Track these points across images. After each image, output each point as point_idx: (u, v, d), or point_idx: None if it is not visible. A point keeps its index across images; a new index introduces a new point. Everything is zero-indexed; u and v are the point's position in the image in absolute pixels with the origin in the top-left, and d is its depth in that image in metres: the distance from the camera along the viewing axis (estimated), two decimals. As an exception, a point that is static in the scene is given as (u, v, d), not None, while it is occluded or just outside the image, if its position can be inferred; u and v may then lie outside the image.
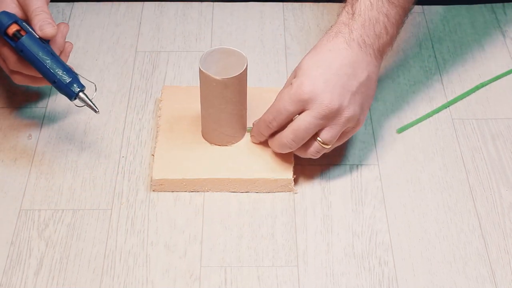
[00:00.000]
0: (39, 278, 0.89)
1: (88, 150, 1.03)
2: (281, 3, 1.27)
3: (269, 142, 0.98)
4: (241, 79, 0.96)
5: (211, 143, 1.01)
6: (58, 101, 1.09)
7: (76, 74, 0.96)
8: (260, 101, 1.03)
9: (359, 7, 0.96)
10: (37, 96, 1.10)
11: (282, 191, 0.99)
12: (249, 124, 1.02)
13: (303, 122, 0.93)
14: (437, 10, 1.26)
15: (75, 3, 1.26)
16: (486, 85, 1.13)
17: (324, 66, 0.93)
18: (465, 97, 1.12)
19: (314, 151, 0.96)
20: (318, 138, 0.94)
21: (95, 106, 0.95)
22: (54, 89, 0.98)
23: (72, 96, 0.95)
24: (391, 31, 0.97)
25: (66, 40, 1.00)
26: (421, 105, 1.10)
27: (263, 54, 1.18)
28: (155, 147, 1.01)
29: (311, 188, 0.99)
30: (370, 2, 0.96)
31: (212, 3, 1.26)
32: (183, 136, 1.02)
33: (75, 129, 1.06)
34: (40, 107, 1.09)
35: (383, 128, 1.07)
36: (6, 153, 1.03)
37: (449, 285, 0.90)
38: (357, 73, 0.94)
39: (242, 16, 1.25)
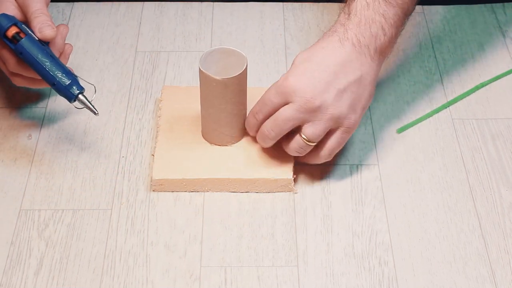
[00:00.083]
0: (39, 278, 0.89)
1: (88, 150, 1.03)
2: (281, 3, 1.27)
3: (257, 136, 0.99)
4: (241, 79, 0.96)
5: (211, 143, 1.01)
6: (58, 101, 1.09)
7: (76, 76, 0.96)
8: (260, 101, 1.03)
9: (355, 7, 0.96)
10: (37, 96, 1.10)
11: (282, 191, 0.99)
12: (249, 124, 1.02)
13: (284, 113, 0.94)
14: (437, 10, 1.26)
15: (75, 3, 1.26)
16: (486, 85, 1.13)
17: (314, 62, 0.94)
18: (465, 97, 1.12)
19: (297, 146, 0.96)
20: (301, 133, 0.95)
21: (95, 108, 0.96)
22: (54, 89, 0.98)
23: (71, 98, 0.95)
24: (390, 32, 0.96)
25: (66, 42, 1.00)
26: (421, 105, 1.10)
27: (263, 54, 1.18)
28: (155, 147, 1.01)
29: (311, 188, 0.99)
30: (367, 2, 0.96)
31: (212, 3, 1.26)
32: (183, 136, 1.02)
33: (75, 129, 1.06)
34: (40, 107, 1.09)
35: (383, 128, 1.07)
36: (6, 153, 1.03)
37: (449, 285, 0.90)
38: (348, 72, 0.94)
39: (242, 16, 1.25)
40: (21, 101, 1.09)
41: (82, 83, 0.96)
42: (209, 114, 0.99)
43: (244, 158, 1.00)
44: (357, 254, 0.92)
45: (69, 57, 1.01)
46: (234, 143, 1.01)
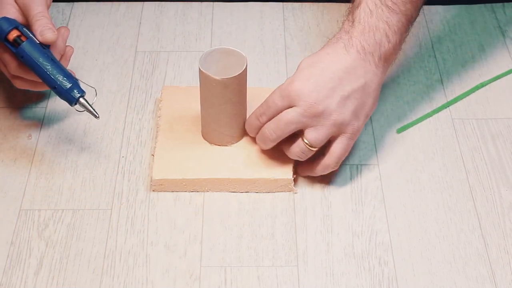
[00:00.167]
0: (39, 278, 0.89)
1: (88, 150, 1.03)
2: (281, 3, 1.27)
3: (256, 137, 0.99)
4: (241, 79, 0.96)
5: (211, 143, 1.01)
6: (58, 101, 1.09)
7: (77, 80, 0.96)
8: (260, 101, 1.03)
9: (359, 14, 0.96)
10: (37, 96, 1.10)
11: (282, 191, 0.99)
12: (249, 124, 1.02)
13: (287, 115, 0.94)
14: (437, 10, 1.26)
15: (75, 3, 1.26)
16: (486, 85, 1.13)
17: (319, 68, 0.94)
18: (465, 97, 1.12)
19: (298, 150, 0.96)
20: (303, 137, 0.95)
21: (95, 112, 0.96)
22: (54, 89, 0.98)
23: (72, 101, 0.95)
24: (394, 39, 0.97)
25: (67, 44, 1.00)
26: (421, 105, 1.10)
27: (263, 54, 1.18)
28: (155, 147, 1.01)
29: (311, 188, 0.99)
30: (370, 9, 0.96)
31: (212, 3, 1.26)
32: (183, 136, 1.02)
33: (75, 129, 1.06)
34: (40, 107, 1.09)
35: (383, 128, 1.07)
36: (6, 153, 1.03)
37: (449, 285, 0.90)
38: (352, 79, 0.94)
39: (242, 16, 1.25)
40: (21, 101, 1.09)
41: (83, 86, 0.96)
42: (209, 114, 0.99)
43: (244, 158, 1.00)
44: (357, 254, 0.92)
45: (70, 59, 1.01)
46: (234, 143, 1.01)
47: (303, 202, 0.98)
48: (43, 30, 0.95)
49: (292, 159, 0.99)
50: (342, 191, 0.99)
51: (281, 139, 0.96)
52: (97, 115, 0.96)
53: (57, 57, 0.98)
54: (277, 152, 0.99)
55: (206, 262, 0.91)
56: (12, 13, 0.97)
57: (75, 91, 0.95)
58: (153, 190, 0.98)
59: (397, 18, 0.97)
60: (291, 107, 0.94)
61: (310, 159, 0.97)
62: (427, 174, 1.01)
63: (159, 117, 1.05)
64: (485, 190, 0.99)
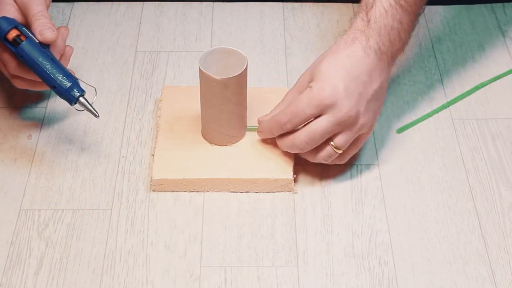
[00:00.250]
0: (39, 278, 0.89)
1: (88, 150, 1.03)
2: (281, 3, 1.27)
3: (278, 141, 0.98)
4: (241, 79, 0.96)
5: (211, 143, 1.01)
6: (58, 101, 1.09)
7: (76, 79, 0.96)
8: (260, 101, 1.03)
9: (374, 14, 0.96)
10: (37, 96, 1.10)
11: (282, 191, 0.99)
12: (249, 124, 1.02)
13: (321, 127, 0.93)
14: (437, 10, 1.26)
15: (75, 3, 1.26)
16: (486, 85, 1.13)
17: (344, 72, 0.93)
18: (465, 97, 1.12)
19: (326, 155, 0.96)
20: (332, 143, 0.95)
21: (95, 111, 0.96)
22: (54, 89, 0.98)
23: (72, 101, 0.95)
24: (404, 37, 0.98)
25: (66, 44, 1.00)
26: (421, 105, 1.10)
27: (263, 54, 1.18)
28: (155, 147, 1.01)
29: (311, 188, 0.99)
30: (385, 9, 0.96)
31: (212, 3, 1.26)
32: (183, 136, 1.02)
33: (75, 129, 1.06)
34: (40, 107, 1.09)
35: (383, 128, 1.07)
36: (6, 153, 1.03)
37: (449, 285, 0.90)
38: (373, 81, 0.95)
39: (242, 16, 1.25)
40: (21, 101, 1.09)
41: (82, 85, 0.96)
42: (209, 114, 0.99)
43: (244, 158, 1.00)
44: (357, 254, 0.92)
45: (69, 59, 1.01)
46: (234, 143, 1.01)
47: (303, 202, 0.98)
48: (43, 30, 0.95)
49: (292, 159, 0.99)
50: (342, 191, 0.99)
51: (312, 148, 0.96)
52: (97, 114, 0.96)
53: (57, 56, 0.97)
54: (277, 152, 0.99)
55: (206, 262, 0.91)
56: (12, 12, 0.97)
57: (75, 90, 0.95)
58: (153, 190, 0.98)
59: (409, 17, 0.97)
60: (321, 115, 0.93)
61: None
62: (427, 174, 1.01)
63: (159, 117, 1.05)
64: (485, 190, 0.99)
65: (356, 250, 0.93)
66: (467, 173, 1.01)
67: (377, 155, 1.03)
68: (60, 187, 0.99)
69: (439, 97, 1.11)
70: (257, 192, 0.99)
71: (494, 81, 1.14)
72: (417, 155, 1.03)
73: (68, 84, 0.94)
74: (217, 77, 0.95)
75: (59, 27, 0.99)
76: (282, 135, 0.97)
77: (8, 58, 0.97)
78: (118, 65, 1.15)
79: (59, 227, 0.94)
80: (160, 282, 0.89)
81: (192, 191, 0.98)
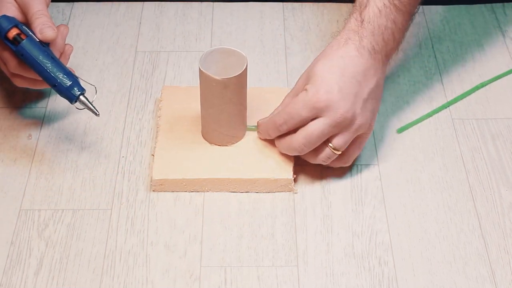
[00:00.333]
0: (39, 278, 0.89)
1: (88, 150, 1.03)
2: (281, 3, 1.27)
3: (276, 143, 0.99)
4: (241, 79, 0.96)
5: (211, 143, 1.01)
6: (58, 101, 1.09)
7: (77, 77, 0.96)
8: (260, 101, 1.03)
9: (368, 14, 0.96)
10: (37, 96, 1.10)
11: (282, 191, 0.99)
12: (249, 124, 1.02)
13: (317, 129, 0.93)
14: (437, 10, 1.26)
15: (75, 3, 1.26)
16: (486, 85, 1.13)
17: (338, 73, 0.94)
18: (465, 97, 1.12)
19: (325, 157, 0.96)
20: (330, 144, 0.95)
21: (96, 109, 0.96)
22: (54, 89, 0.98)
23: (72, 99, 0.95)
24: (398, 37, 0.98)
25: (66, 42, 1.00)
26: (421, 105, 1.10)
27: (263, 54, 1.18)
28: (155, 147, 1.01)
29: (311, 188, 0.99)
30: (379, 9, 0.96)
31: (212, 3, 1.26)
32: (183, 136, 1.02)
33: (75, 129, 1.06)
34: (40, 107, 1.09)
35: (383, 128, 1.07)
36: (6, 153, 1.03)
37: (449, 285, 0.90)
38: (368, 80, 0.95)
39: (242, 16, 1.25)
40: (21, 101, 1.09)
41: (83, 84, 0.96)
42: (209, 114, 0.99)
43: (244, 158, 1.00)
44: (357, 254, 0.92)
45: (69, 57, 1.01)
46: (234, 143, 1.01)
47: (303, 202, 0.98)
48: (43, 28, 0.95)
49: (292, 159, 0.99)
50: (342, 191, 0.99)
51: (310, 150, 0.96)
52: (98, 113, 0.96)
53: (57, 55, 0.98)
54: (277, 152, 0.99)
55: (206, 262, 0.91)
56: (12, 11, 0.97)
57: (75, 89, 0.95)
58: (153, 190, 0.98)
59: (403, 17, 0.97)
60: (317, 117, 0.93)
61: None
62: (427, 174, 1.01)
63: (159, 117, 1.05)
64: (485, 190, 0.99)
65: (356, 250, 0.93)
66: (467, 173, 1.01)
67: (377, 155, 1.03)
68: (60, 187, 0.99)
69: (439, 97, 1.11)
70: (257, 192, 0.99)
71: (494, 81, 1.14)
72: (417, 155, 1.03)
73: (69, 83, 0.94)
74: (217, 77, 0.95)
75: (59, 25, 0.99)
76: (280, 138, 0.98)
77: (8, 57, 0.97)
78: (118, 65, 1.15)
79: (59, 227, 0.94)
80: (160, 282, 0.89)
81: (192, 191, 0.98)
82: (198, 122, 1.02)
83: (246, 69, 0.96)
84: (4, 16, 0.95)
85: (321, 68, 0.95)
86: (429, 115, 1.09)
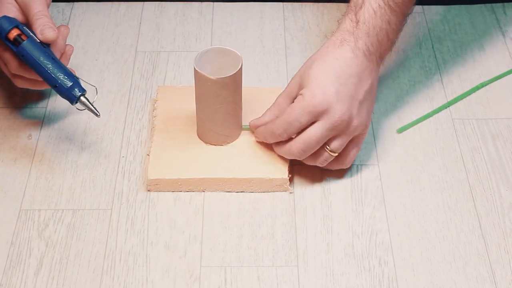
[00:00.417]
0: (39, 278, 0.89)
1: (88, 150, 1.03)
2: (281, 3, 1.27)
3: (275, 148, 0.99)
4: (236, 79, 0.96)
5: (206, 143, 1.01)
6: (58, 101, 1.09)
7: (77, 78, 0.96)
8: (260, 101, 1.03)
9: (363, 15, 0.96)
10: (37, 96, 1.10)
11: (278, 191, 0.99)
12: (245, 123, 1.02)
13: (315, 134, 0.93)
14: (437, 10, 1.26)
15: (75, 3, 1.26)
16: (486, 85, 1.13)
17: (333, 76, 0.93)
18: (465, 97, 1.12)
19: (322, 159, 0.97)
20: (327, 147, 0.95)
21: (96, 110, 0.96)
22: (54, 89, 0.98)
23: (73, 100, 0.95)
24: (392, 37, 0.98)
25: (67, 43, 1.00)
26: (421, 105, 1.10)
27: (263, 54, 1.18)
28: (150, 147, 1.01)
29: (311, 188, 0.99)
30: (374, 10, 0.96)
31: (212, 3, 1.26)
32: (178, 136, 1.02)
33: (75, 129, 1.06)
34: (40, 107, 1.09)
35: (383, 128, 1.07)
36: (6, 153, 1.03)
37: (449, 285, 0.90)
38: (363, 82, 0.95)
39: (242, 16, 1.25)
40: (21, 101, 1.09)
41: (83, 84, 0.96)
42: (204, 114, 0.99)
43: (239, 158, 1.00)
44: (357, 254, 0.92)
45: (70, 58, 1.01)
46: (229, 143, 1.01)
47: (303, 202, 0.98)
48: (44, 29, 0.95)
49: (287, 159, 0.99)
50: (342, 191, 0.99)
51: (308, 155, 0.96)
52: (98, 114, 0.96)
53: (57, 55, 0.98)
54: (273, 151, 0.99)
55: (206, 262, 0.91)
56: (12, 12, 0.97)
57: (76, 89, 0.95)
58: (149, 190, 0.98)
59: (397, 18, 0.97)
60: (315, 121, 0.94)
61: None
62: (427, 174, 1.01)
63: (154, 116, 1.05)
64: (485, 190, 0.99)
65: (356, 250, 0.93)
66: (467, 173, 1.01)
67: (377, 155, 1.03)
68: (60, 187, 0.99)
69: (439, 97, 1.11)
70: (252, 192, 0.99)
71: (494, 81, 1.14)
72: (417, 155, 1.03)
73: (69, 84, 0.94)
74: (212, 77, 0.95)
75: (59, 26, 0.99)
76: (278, 143, 0.98)
77: (9, 58, 0.97)
78: (118, 65, 1.15)
79: (59, 227, 0.94)
80: (160, 282, 0.89)
81: (188, 191, 0.98)
82: (194, 122, 1.02)
83: (241, 68, 0.96)
84: (5, 17, 0.95)
85: (316, 70, 0.94)
86: (429, 115, 1.09)
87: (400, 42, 1.18)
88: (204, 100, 0.97)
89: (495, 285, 0.90)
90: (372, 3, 0.96)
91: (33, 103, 1.09)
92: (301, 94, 0.94)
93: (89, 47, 1.18)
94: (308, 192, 0.99)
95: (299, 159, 0.97)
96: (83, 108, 0.96)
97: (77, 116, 1.07)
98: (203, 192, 0.98)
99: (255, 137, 1.01)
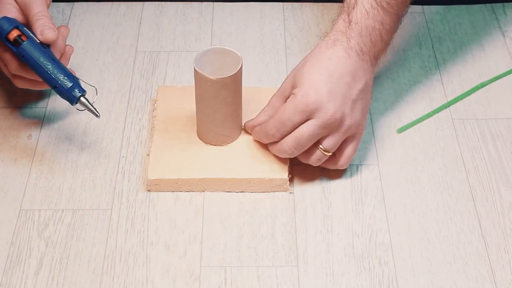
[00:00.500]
0: (39, 278, 0.89)
1: (88, 150, 1.03)
2: (281, 3, 1.27)
3: (269, 146, 0.99)
4: (236, 79, 0.96)
5: (206, 143, 1.01)
6: (58, 101, 1.09)
7: (77, 79, 0.96)
8: (260, 101, 1.03)
9: (356, 15, 0.96)
10: (37, 96, 1.10)
11: (278, 191, 0.99)
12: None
13: (307, 131, 0.93)
14: (437, 10, 1.26)
15: (75, 3, 1.26)
16: (486, 85, 1.13)
17: (326, 75, 0.94)
18: (465, 97, 1.12)
19: (316, 158, 0.97)
20: (320, 146, 0.95)
21: (96, 111, 0.96)
22: (54, 89, 0.98)
23: (73, 101, 0.95)
24: (386, 38, 0.98)
25: (67, 43, 1.00)
26: (421, 105, 1.10)
27: (263, 54, 1.18)
28: (150, 147, 1.01)
29: (311, 188, 0.99)
30: (366, 10, 0.96)
31: (212, 3, 1.26)
32: (178, 136, 1.02)
33: (75, 129, 1.06)
34: (40, 107, 1.09)
35: (383, 128, 1.07)
36: (6, 153, 1.03)
37: (449, 285, 0.90)
38: (356, 81, 0.95)
39: (242, 16, 1.25)
40: (21, 101, 1.09)
41: (83, 85, 0.96)
42: (204, 114, 0.99)
43: (239, 158, 1.00)
44: (357, 254, 0.92)
45: (70, 58, 1.01)
46: (229, 143, 1.01)
47: (303, 202, 0.98)
48: (44, 30, 0.95)
49: (287, 159, 0.99)
50: (342, 191, 0.99)
51: (301, 152, 0.96)
52: (98, 114, 0.96)
53: (57, 56, 0.98)
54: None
55: (206, 262, 0.91)
56: (12, 12, 0.97)
57: (76, 90, 0.95)
58: (149, 190, 0.98)
59: (391, 18, 0.98)
60: (307, 120, 0.94)
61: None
62: (427, 174, 1.01)
63: (154, 116, 1.05)
64: (485, 190, 0.99)
65: (356, 250, 0.93)
66: (467, 173, 1.01)
67: (377, 155, 1.03)
68: (60, 187, 0.99)
69: (439, 97, 1.11)
70: (252, 192, 0.99)
71: (494, 81, 1.14)
72: (417, 155, 1.03)
73: (69, 84, 0.95)
74: (212, 77, 0.95)
75: (59, 26, 0.99)
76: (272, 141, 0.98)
77: (9, 58, 0.97)
78: (118, 65, 1.15)
79: (59, 227, 0.94)
80: (160, 282, 0.89)
81: (188, 191, 0.98)
82: (194, 122, 1.02)
83: (241, 69, 0.96)
84: (5, 18, 0.95)
85: (309, 70, 0.95)
86: (429, 115, 1.09)
87: (400, 42, 1.19)
88: (204, 100, 0.97)
89: (495, 285, 0.90)
90: (365, 3, 0.96)
91: (33, 103, 1.09)
92: (293, 94, 0.94)
93: (89, 47, 1.18)
94: (308, 192, 0.99)
95: (290, 156, 0.97)
96: (83, 108, 0.96)
97: (77, 116, 1.07)
98: (203, 192, 0.99)
99: (256, 138, 1.01)
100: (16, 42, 0.95)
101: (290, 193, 0.99)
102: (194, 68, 0.95)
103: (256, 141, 1.01)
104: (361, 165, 1.02)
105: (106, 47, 1.18)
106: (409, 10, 1.03)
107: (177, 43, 1.19)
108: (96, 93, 1.00)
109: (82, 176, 1.00)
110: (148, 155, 1.02)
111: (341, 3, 1.00)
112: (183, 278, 0.90)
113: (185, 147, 1.01)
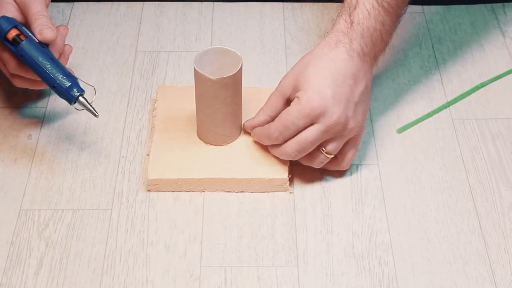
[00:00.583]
0: (39, 278, 0.89)
1: (88, 150, 1.03)
2: (281, 3, 1.27)
3: (270, 149, 0.99)
4: (236, 79, 0.96)
5: (206, 143, 1.01)
6: (58, 101, 1.09)
7: (76, 78, 0.96)
8: (259, 101, 1.03)
9: (357, 16, 0.96)
10: (37, 96, 1.10)
11: (278, 191, 0.99)
12: (245, 123, 1.02)
13: (311, 136, 0.93)
14: (437, 10, 1.26)
15: (75, 3, 1.26)
16: (486, 85, 1.13)
17: (330, 78, 0.93)
18: (465, 97, 1.12)
19: (318, 161, 0.97)
20: (323, 149, 0.95)
21: (95, 110, 0.96)
22: (54, 89, 0.98)
23: (72, 100, 0.95)
24: (386, 38, 0.98)
25: (66, 43, 1.00)
26: (421, 105, 1.10)
27: (263, 54, 1.18)
28: (150, 147, 1.01)
29: (311, 188, 0.99)
30: (368, 11, 0.96)
31: (212, 3, 1.26)
32: (178, 136, 1.02)
33: (75, 129, 1.06)
34: (40, 107, 1.09)
35: (383, 128, 1.07)
36: (6, 153, 1.03)
37: (449, 285, 0.90)
38: (358, 84, 0.95)
39: (242, 16, 1.25)
40: (21, 101, 1.09)
41: (82, 84, 0.96)
42: (204, 114, 0.99)
43: (239, 158, 1.00)
44: (357, 254, 0.92)
45: (68, 57, 1.01)
46: (229, 143, 1.01)
47: (303, 202, 0.98)
48: (42, 29, 0.95)
49: (287, 159, 0.99)
50: (342, 191, 0.99)
51: (303, 155, 0.96)
52: (97, 114, 0.96)
53: (56, 55, 0.98)
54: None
55: (206, 262, 0.91)
56: (11, 12, 0.97)
57: (74, 89, 0.95)
58: (149, 190, 0.98)
59: (391, 19, 0.98)
60: (312, 124, 0.93)
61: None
62: (427, 174, 1.01)
63: (154, 116, 1.05)
64: (485, 190, 0.99)
65: (356, 250, 0.93)
66: (467, 173, 1.01)
67: (377, 155, 1.03)
68: (60, 187, 0.99)
69: (439, 97, 1.11)
70: (252, 192, 0.99)
71: (494, 81, 1.14)
72: (417, 155, 1.03)
73: (68, 84, 0.95)
74: (212, 77, 0.95)
75: (58, 26, 0.99)
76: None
77: (8, 58, 0.97)
78: (118, 65, 1.15)
79: (59, 227, 0.94)
80: (160, 282, 0.89)
81: (188, 191, 0.98)
82: (194, 122, 1.02)
83: (241, 69, 0.96)
84: (4, 17, 0.95)
85: (312, 73, 0.94)
86: (429, 115, 1.09)
87: (400, 42, 1.19)
88: (204, 100, 0.97)
89: (495, 285, 0.90)
90: (366, 4, 0.96)
91: (33, 103, 1.09)
92: (297, 97, 0.94)
93: (89, 47, 1.18)
94: (308, 192, 0.99)
95: (293, 159, 0.97)
96: (82, 108, 0.96)
97: (77, 116, 1.07)
98: (203, 192, 0.99)
99: (257, 139, 1.01)
100: (15, 42, 0.95)
101: (290, 193, 0.99)
102: (194, 68, 0.95)
103: (256, 141, 1.01)
104: (361, 165, 1.02)
105: (106, 47, 1.18)
106: (409, 10, 1.03)
107: (177, 43, 1.19)
108: (95, 93, 1.00)
109: (82, 176, 1.00)
110: (148, 155, 1.02)
111: (341, 3, 0.99)
112: (183, 278, 0.90)
113: (185, 147, 1.01)
